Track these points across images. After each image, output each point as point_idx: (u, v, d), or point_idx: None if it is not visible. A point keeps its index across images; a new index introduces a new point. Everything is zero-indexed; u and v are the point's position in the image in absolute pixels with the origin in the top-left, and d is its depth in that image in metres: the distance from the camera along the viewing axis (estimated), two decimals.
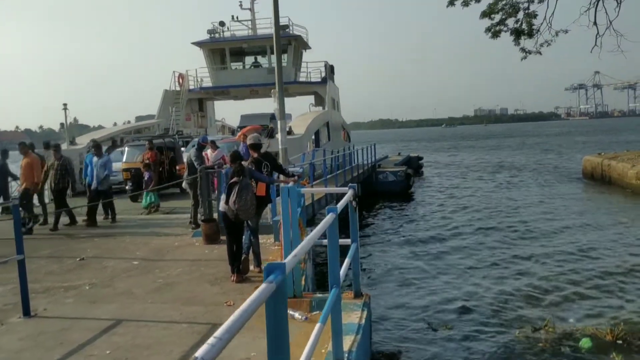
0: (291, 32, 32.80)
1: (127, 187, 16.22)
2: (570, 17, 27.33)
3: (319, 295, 6.21)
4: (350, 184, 5.91)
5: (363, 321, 5.33)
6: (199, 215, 10.93)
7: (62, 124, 20.34)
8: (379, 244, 16.65)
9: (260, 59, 34.44)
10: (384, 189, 25.01)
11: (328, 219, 4.13)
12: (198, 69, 33.35)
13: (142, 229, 11.76)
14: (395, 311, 10.66)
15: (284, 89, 32.20)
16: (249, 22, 33.93)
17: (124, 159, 17.12)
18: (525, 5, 24.83)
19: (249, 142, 7.85)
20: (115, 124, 36.69)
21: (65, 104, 18.96)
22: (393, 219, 20.91)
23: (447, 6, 25.88)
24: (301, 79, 33.88)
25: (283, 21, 33.04)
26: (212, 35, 32.76)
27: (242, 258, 7.57)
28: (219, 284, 7.37)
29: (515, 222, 18.86)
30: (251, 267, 7.79)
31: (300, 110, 33.70)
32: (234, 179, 7.16)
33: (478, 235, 17.19)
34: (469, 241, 16.39)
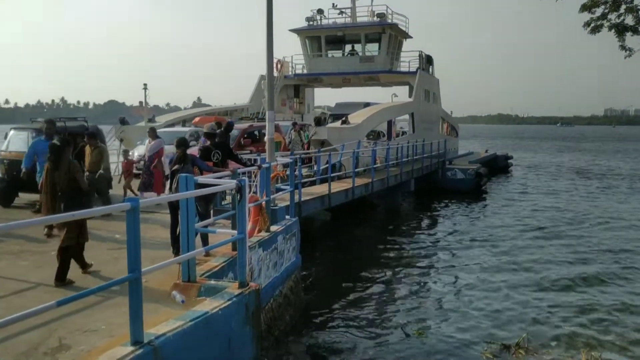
0: (391, 20, 32.45)
1: None
2: None
3: (212, 282, 6.47)
4: (238, 178, 6.09)
5: (215, 310, 5.51)
6: None
7: (140, 103, 22.10)
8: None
9: (357, 47, 34.48)
10: (451, 187, 24.18)
11: (120, 206, 4.40)
12: (294, 56, 34.25)
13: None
14: (377, 309, 10.61)
15: (376, 78, 32.92)
16: (349, 10, 34.08)
17: (3, 147, 12.50)
18: None
19: (204, 130, 8.21)
20: None
21: (145, 84, 20.63)
22: (448, 218, 20.32)
23: None
24: (401, 69, 33.55)
25: (380, 9, 32.91)
26: (310, 22, 33.43)
27: None
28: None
29: (571, 231, 17.66)
30: None
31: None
32: (176, 166, 7.57)
33: (518, 241, 16.39)
34: (503, 247, 15.68)
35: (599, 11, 24.70)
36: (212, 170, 7.85)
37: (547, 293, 11.56)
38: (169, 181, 7.78)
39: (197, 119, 17.19)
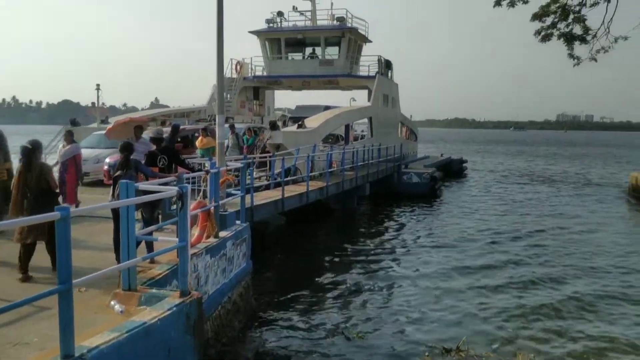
0: (350, 24, 32.62)
1: None
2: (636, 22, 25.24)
3: (153, 291, 6.36)
4: (179, 185, 6.01)
5: (153, 320, 5.42)
6: None
7: (92, 103, 21.62)
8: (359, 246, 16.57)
9: (317, 50, 34.52)
10: (406, 190, 24.48)
11: (50, 216, 4.28)
12: (254, 58, 34.03)
13: None
14: (325, 314, 10.64)
15: (335, 82, 33.02)
16: (309, 13, 34.07)
17: None
18: (577, 9, 23.22)
19: (151, 135, 8.07)
20: None
21: (98, 84, 20.20)
22: (400, 222, 20.60)
23: (494, 6, 24.88)
24: (361, 73, 33.70)
25: (340, 13, 33.05)
26: (270, 24, 33.31)
27: None
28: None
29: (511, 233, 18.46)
30: None
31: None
32: (119, 172, 7.40)
33: (465, 243, 16.89)
34: (451, 251, 15.99)
35: (549, 20, 25.40)
36: (157, 176, 7.72)
37: (489, 297, 11.79)
38: (111, 187, 7.60)
39: (110, 125, 13.29)
